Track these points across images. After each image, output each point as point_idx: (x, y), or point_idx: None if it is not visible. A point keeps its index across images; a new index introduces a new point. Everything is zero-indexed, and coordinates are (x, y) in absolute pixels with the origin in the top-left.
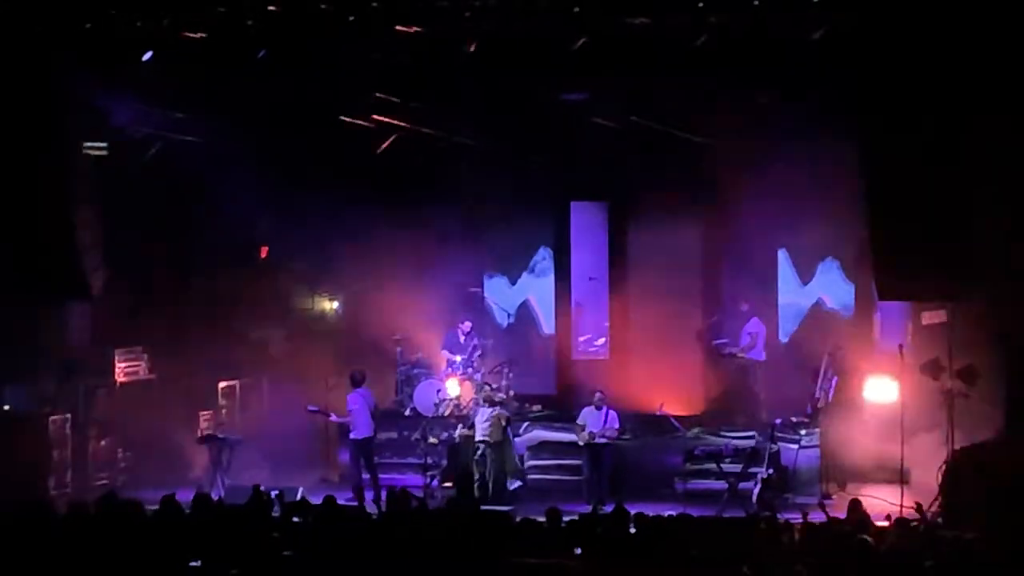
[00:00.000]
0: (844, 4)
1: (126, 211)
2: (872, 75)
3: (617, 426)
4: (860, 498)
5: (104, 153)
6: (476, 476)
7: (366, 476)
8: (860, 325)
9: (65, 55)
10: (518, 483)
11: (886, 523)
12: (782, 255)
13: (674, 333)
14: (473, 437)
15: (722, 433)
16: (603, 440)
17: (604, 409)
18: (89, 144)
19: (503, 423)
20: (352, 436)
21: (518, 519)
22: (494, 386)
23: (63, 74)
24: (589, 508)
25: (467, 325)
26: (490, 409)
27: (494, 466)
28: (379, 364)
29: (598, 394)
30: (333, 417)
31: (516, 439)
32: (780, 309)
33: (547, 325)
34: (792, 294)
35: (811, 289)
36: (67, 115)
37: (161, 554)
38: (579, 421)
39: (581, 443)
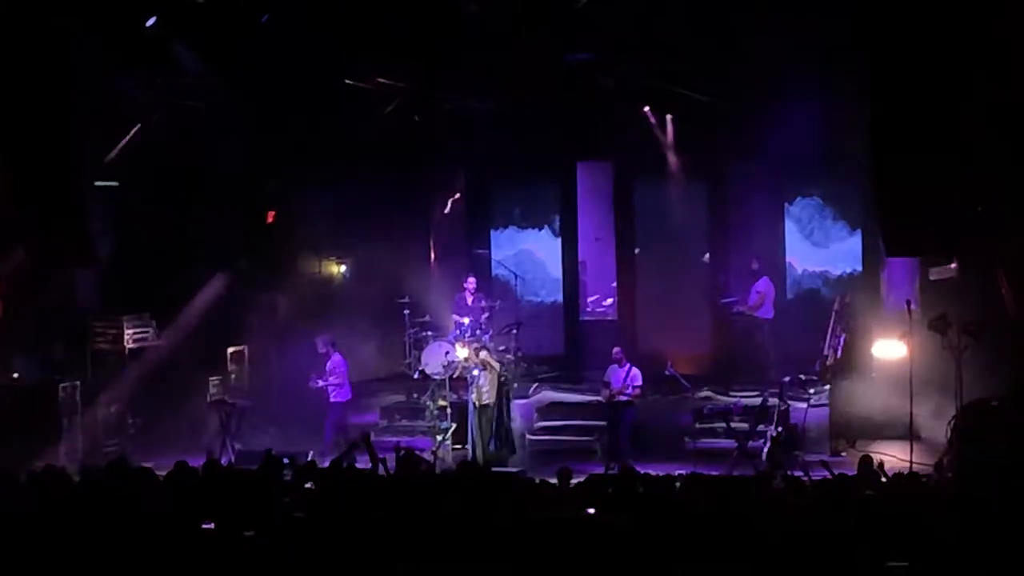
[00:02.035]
0: None
1: (133, 177)
2: (878, 26)
3: (639, 383)
4: (857, 454)
5: (115, 185)
6: (476, 437)
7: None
8: (868, 282)
9: (71, 21)
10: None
11: (896, 479)
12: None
13: (682, 292)
14: (477, 401)
15: (731, 392)
16: (624, 398)
17: (627, 366)
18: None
19: (500, 384)
20: (339, 399)
21: (528, 479)
22: (500, 348)
23: (68, 41)
24: (603, 468)
25: (472, 282)
26: (487, 372)
27: (493, 426)
28: (387, 327)
29: (616, 350)
30: (320, 383)
31: (525, 400)
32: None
33: (553, 286)
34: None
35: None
36: (74, 81)
37: (174, 517)
38: (604, 379)
39: (604, 400)
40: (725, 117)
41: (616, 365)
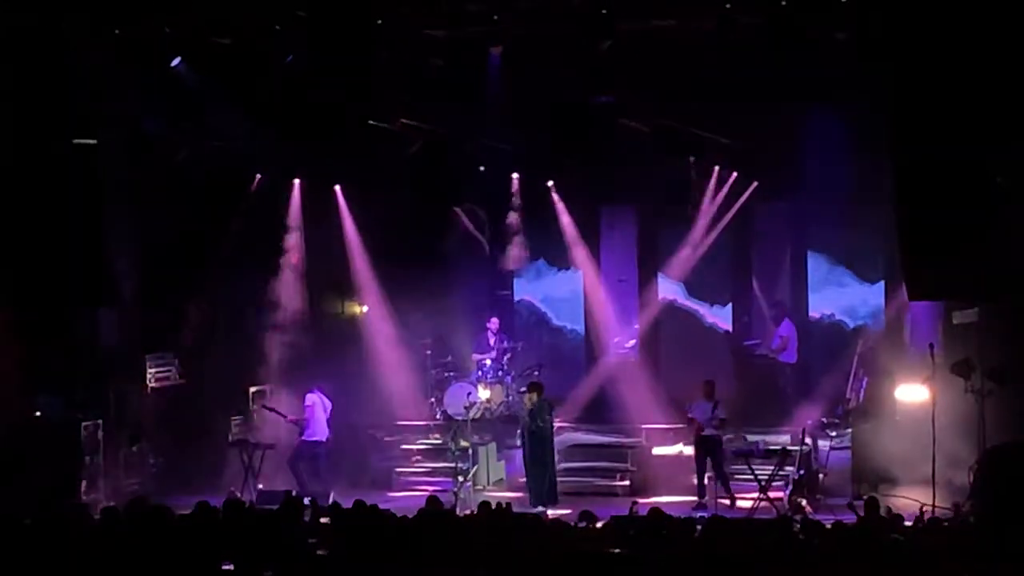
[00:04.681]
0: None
1: (156, 216)
2: (901, 73)
3: (723, 416)
4: (888, 498)
5: (94, 142)
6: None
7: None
8: (891, 325)
9: (95, 61)
10: None
11: (919, 523)
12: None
13: (704, 335)
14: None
15: (753, 434)
16: (710, 431)
17: (714, 400)
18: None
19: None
20: (303, 438)
21: (550, 521)
22: (523, 389)
23: (93, 79)
24: (703, 511)
25: (495, 323)
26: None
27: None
28: (409, 368)
29: (708, 382)
30: (289, 417)
31: None
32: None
33: (576, 328)
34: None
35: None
36: (98, 121)
37: (193, 557)
38: (689, 415)
39: (691, 435)
40: (749, 161)
41: (703, 399)
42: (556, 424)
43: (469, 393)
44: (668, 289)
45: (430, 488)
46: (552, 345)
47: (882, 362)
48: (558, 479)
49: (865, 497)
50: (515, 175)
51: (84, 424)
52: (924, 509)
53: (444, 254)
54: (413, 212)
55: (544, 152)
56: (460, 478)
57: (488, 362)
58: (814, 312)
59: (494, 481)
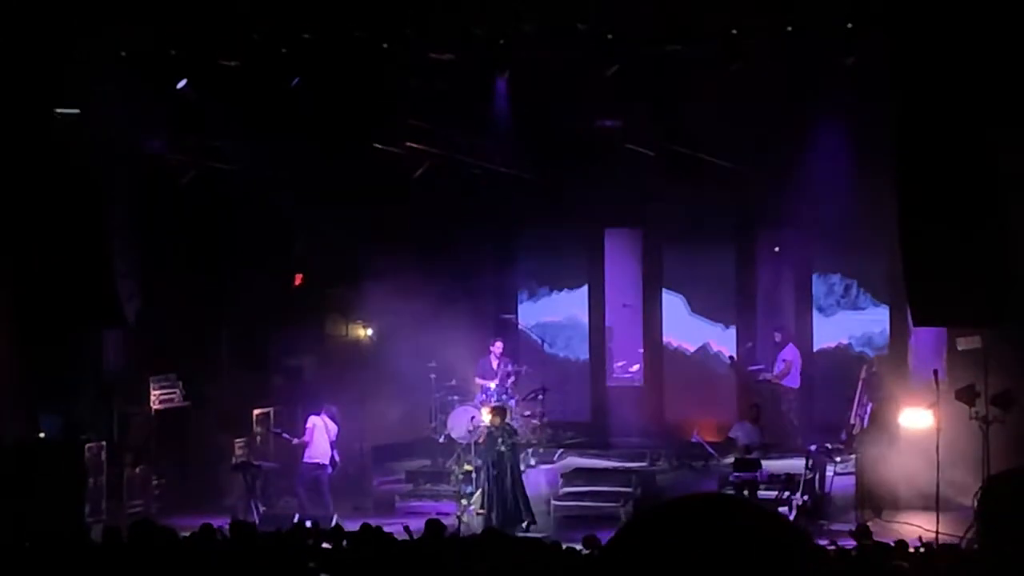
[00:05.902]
0: (875, 26)
1: (161, 238)
2: (906, 98)
3: (766, 441)
4: (891, 524)
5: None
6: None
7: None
8: (895, 351)
9: (100, 82)
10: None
11: (922, 549)
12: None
13: (708, 360)
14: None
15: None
16: (757, 455)
17: (761, 424)
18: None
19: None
20: (304, 460)
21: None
22: (526, 413)
23: (98, 102)
24: None
25: (498, 346)
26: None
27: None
28: (413, 391)
29: (755, 406)
30: (287, 437)
31: (550, 466)
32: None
33: (580, 352)
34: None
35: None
36: (103, 142)
37: None
38: (731, 434)
39: (740, 455)
40: (755, 185)
41: (748, 421)
42: (559, 449)
43: (473, 417)
44: (672, 304)
45: (433, 512)
46: (556, 369)
47: (886, 387)
48: (559, 503)
49: (870, 522)
50: (521, 198)
51: (88, 445)
52: (922, 537)
53: (448, 277)
54: (417, 235)
55: (549, 175)
56: (464, 502)
57: (492, 386)
58: (819, 336)
59: None
